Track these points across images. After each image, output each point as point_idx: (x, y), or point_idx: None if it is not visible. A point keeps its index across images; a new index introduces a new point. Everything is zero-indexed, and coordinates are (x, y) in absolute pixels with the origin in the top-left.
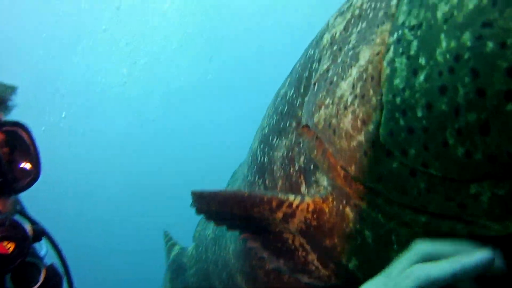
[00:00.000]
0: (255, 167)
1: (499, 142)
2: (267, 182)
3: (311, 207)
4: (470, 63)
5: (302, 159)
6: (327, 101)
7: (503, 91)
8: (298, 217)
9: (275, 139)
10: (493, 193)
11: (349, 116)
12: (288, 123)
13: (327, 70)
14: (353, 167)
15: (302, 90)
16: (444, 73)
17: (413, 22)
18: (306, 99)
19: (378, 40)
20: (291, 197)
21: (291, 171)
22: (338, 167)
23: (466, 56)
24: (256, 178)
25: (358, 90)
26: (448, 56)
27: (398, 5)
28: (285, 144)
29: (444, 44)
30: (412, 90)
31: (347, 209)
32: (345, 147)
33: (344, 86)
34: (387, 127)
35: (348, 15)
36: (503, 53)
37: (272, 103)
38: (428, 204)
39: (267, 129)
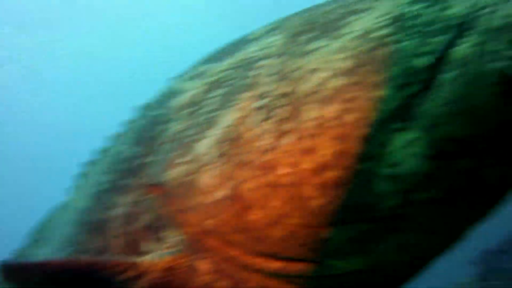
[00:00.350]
0: (87, 226)
1: (351, 195)
2: (102, 240)
3: (164, 266)
4: (334, 130)
5: (147, 216)
6: (183, 159)
7: (361, 153)
8: (148, 277)
9: (113, 197)
10: (341, 236)
11: (209, 173)
12: (129, 181)
13: (181, 131)
14: (210, 221)
15: (146, 149)
16: (309, 136)
17: (279, 91)
18: (154, 158)
19: (240, 105)
20: (142, 258)
21: (132, 228)
22: (191, 222)
23: (330, 124)
24: (89, 237)
25: (219, 150)
26: (313, 123)
27: (258, 75)
28: (126, 201)
29: (311, 113)
30: (276, 151)
31: (200, 263)
32: (203, 202)
33: (203, 146)
34: (252, 183)
35: (202, 81)
36: (359, 124)
37: (102, 161)
38: (283, 250)
39: (101, 187)
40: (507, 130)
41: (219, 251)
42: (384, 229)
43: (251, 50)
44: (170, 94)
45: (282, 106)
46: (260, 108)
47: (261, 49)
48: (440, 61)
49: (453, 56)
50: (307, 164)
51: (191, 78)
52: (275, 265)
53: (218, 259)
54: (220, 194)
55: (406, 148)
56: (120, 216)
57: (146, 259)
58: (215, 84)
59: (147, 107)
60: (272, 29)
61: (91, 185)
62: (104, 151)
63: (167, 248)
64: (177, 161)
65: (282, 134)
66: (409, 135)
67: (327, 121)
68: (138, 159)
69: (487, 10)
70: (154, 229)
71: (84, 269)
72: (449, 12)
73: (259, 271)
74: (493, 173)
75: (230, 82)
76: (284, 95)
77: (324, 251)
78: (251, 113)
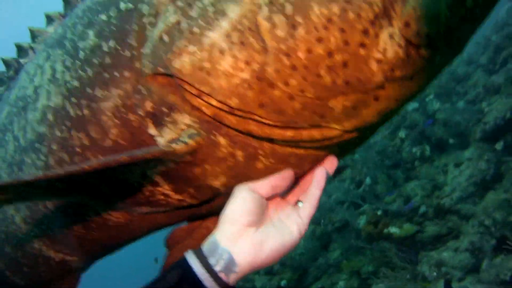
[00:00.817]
0: (68, 122)
1: (352, 73)
2: (92, 133)
3: (193, 148)
4: (339, 24)
5: (149, 105)
6: (191, 48)
7: (359, 42)
8: (175, 159)
9: (97, 91)
10: (343, 104)
11: (228, 59)
12: (117, 73)
13: (178, 23)
14: (235, 100)
15: (134, 43)
16: (320, 29)
17: None
18: (146, 50)
19: (246, 0)
20: (176, 146)
21: (132, 119)
22: (212, 103)
23: (335, 19)
24: (73, 133)
25: (235, 39)
26: (322, 18)
27: None
28: (118, 94)
29: (316, 10)
30: (294, 39)
31: (219, 138)
32: (224, 84)
33: (215, 36)
34: (273, 66)
35: None
36: (359, 20)
37: (65, 57)
38: (298, 119)
39: (76, 82)
40: (452, 30)
41: (238, 126)
42: (371, 97)
43: None
44: None
45: (290, 3)
46: (270, 3)
47: None
48: None
49: None
50: (320, 49)
51: None
52: (289, 133)
53: (234, 133)
54: (244, 75)
55: (390, 39)
56: (112, 107)
57: (180, 145)
58: None
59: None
60: None
61: (59, 83)
62: (71, 47)
63: (182, 130)
64: (185, 50)
65: (295, 26)
66: (391, 30)
67: (333, 16)
68: (124, 52)
69: None
70: (160, 115)
71: (121, 164)
72: None
73: (272, 140)
74: (442, 60)
75: None
76: None
77: (330, 116)
78: (261, 7)
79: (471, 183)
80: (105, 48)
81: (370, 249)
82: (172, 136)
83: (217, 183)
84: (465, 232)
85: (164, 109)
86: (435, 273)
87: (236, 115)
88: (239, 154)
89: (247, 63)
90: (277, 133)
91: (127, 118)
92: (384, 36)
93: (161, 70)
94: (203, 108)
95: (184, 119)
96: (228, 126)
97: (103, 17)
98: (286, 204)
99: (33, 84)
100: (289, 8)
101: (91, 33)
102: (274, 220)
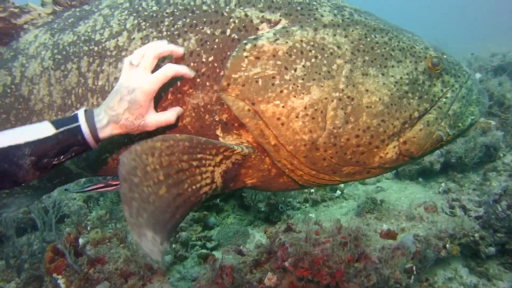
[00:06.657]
0: (154, 94)
1: (363, 158)
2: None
3: (245, 153)
4: (372, 132)
5: (225, 116)
6: (277, 102)
7: (376, 145)
8: (231, 159)
9: (186, 86)
10: (349, 170)
11: (300, 122)
12: (208, 83)
13: (273, 77)
14: (290, 147)
15: (228, 65)
16: (361, 130)
17: (349, 94)
18: (240, 80)
19: (325, 89)
20: (237, 147)
21: (206, 118)
22: (272, 138)
23: (372, 128)
24: (153, 103)
25: (309, 112)
26: (364, 124)
27: (337, 70)
28: (203, 97)
29: (364, 118)
30: (343, 130)
31: (267, 159)
32: (289, 136)
33: (297, 103)
34: (324, 139)
35: (289, 42)
36: (384, 133)
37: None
38: (321, 169)
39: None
40: (426, 154)
41: (282, 158)
42: (365, 171)
43: (327, 38)
44: (247, 26)
45: (350, 105)
46: (338, 99)
47: (334, 44)
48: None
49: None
50: (354, 141)
51: (280, 34)
52: (313, 172)
53: (278, 160)
54: (304, 137)
55: (393, 148)
56: (194, 104)
57: (239, 148)
58: (300, 53)
59: (220, 22)
60: (342, 25)
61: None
62: (144, 19)
63: (240, 142)
64: (272, 101)
65: (348, 122)
66: (395, 143)
67: (371, 126)
68: (218, 70)
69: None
70: (229, 126)
71: (198, 148)
72: (435, 89)
73: (295, 173)
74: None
75: (314, 61)
76: (352, 98)
77: (338, 174)
78: (333, 100)
79: None
80: (203, 59)
81: None
82: (233, 143)
83: (249, 182)
84: None
85: (236, 124)
86: None
87: (288, 155)
88: (274, 171)
89: (310, 131)
90: (306, 170)
91: (203, 116)
92: (391, 145)
93: (247, 102)
94: (269, 139)
95: (248, 138)
96: (277, 157)
97: (207, 30)
98: None
99: (115, 39)
100: (349, 109)
101: (192, 38)
102: None
